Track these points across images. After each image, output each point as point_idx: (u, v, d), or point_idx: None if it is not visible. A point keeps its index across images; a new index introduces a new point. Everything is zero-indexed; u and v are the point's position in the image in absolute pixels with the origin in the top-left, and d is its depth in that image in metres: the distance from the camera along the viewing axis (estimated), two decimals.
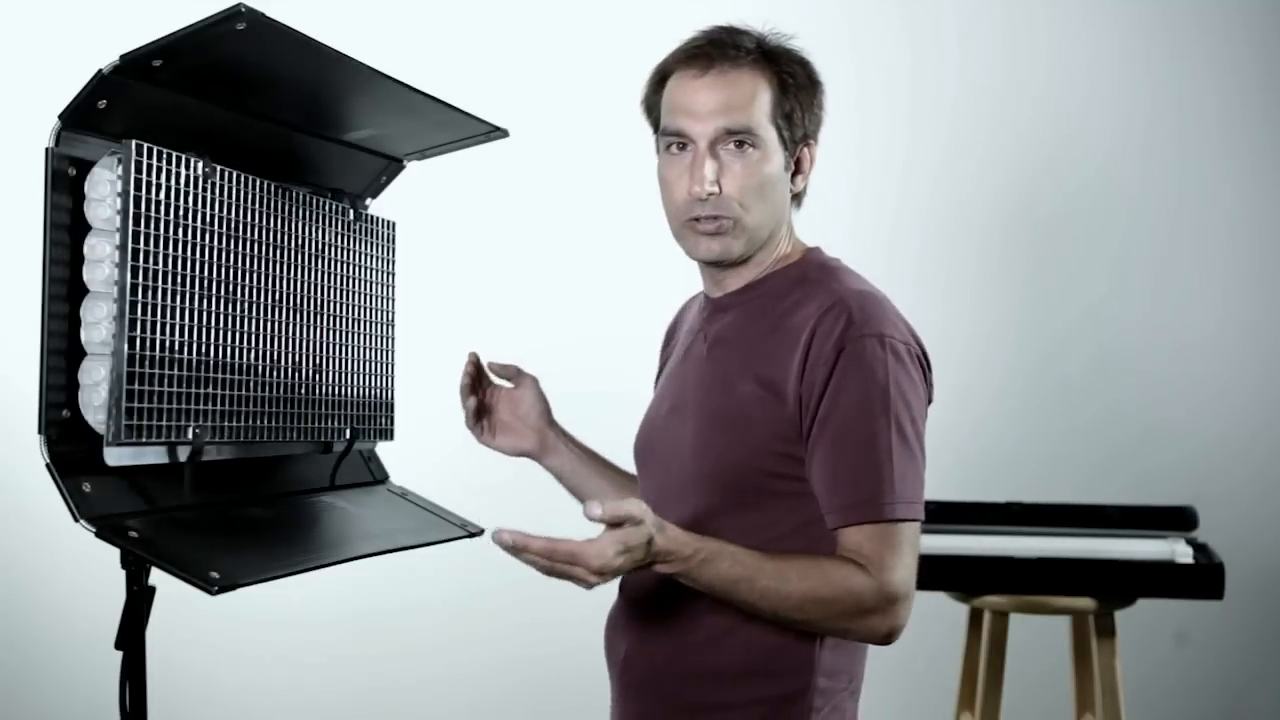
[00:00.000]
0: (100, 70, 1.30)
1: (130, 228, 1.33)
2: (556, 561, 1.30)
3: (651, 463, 1.64)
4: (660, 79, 1.55)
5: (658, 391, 1.70)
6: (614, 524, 1.32)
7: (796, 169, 1.55)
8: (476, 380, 1.78)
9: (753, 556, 1.41)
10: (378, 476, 1.80)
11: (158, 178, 1.37)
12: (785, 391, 1.46)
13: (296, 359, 1.60)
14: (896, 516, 1.42)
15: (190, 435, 1.41)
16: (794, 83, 1.51)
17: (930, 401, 1.53)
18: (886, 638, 1.43)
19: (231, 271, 1.48)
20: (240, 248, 1.49)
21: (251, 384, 1.51)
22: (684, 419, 1.57)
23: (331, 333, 1.67)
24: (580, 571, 1.31)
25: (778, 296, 1.54)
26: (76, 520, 1.29)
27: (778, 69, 1.51)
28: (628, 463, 1.79)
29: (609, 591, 1.67)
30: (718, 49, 1.51)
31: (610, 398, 2.03)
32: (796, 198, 1.59)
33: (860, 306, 1.47)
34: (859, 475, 1.43)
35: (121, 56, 1.29)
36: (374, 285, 1.76)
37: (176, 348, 1.39)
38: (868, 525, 1.42)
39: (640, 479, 1.68)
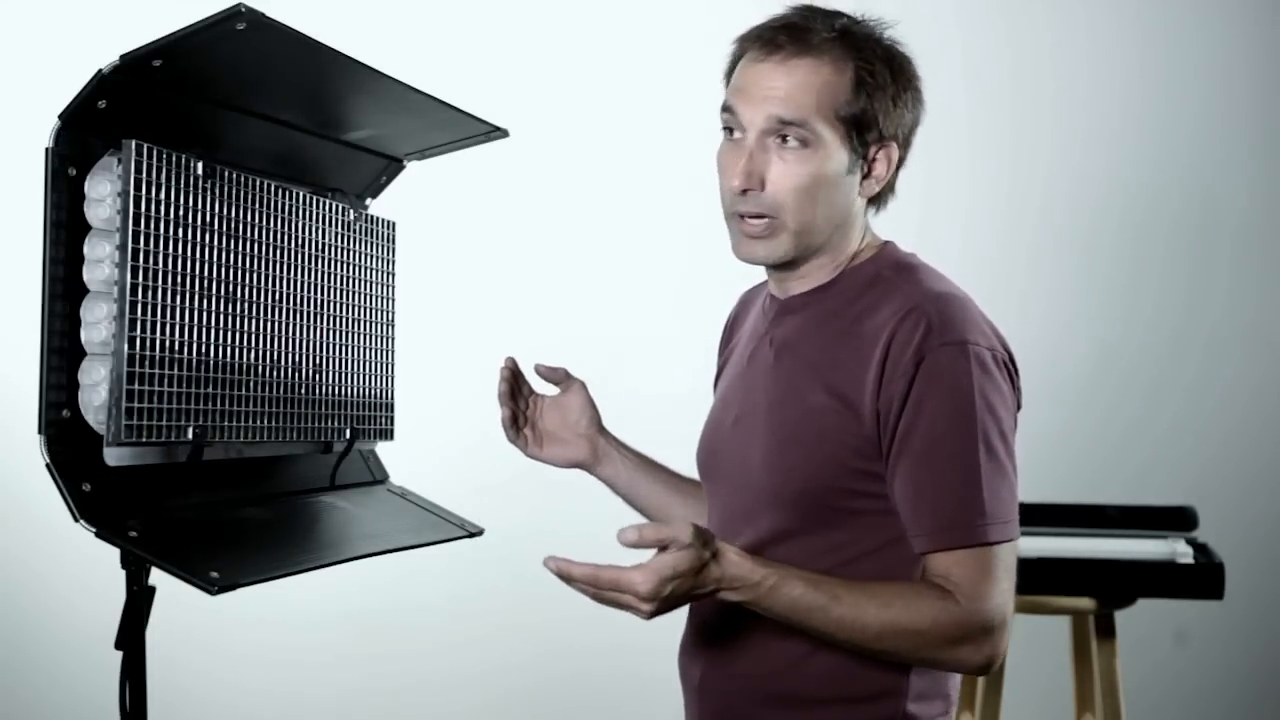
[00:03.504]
0: (100, 70, 1.30)
1: (130, 228, 1.33)
2: (602, 589, 1.24)
3: (718, 478, 1.54)
4: (739, 54, 1.45)
5: (720, 397, 1.59)
6: (661, 548, 1.24)
7: (869, 171, 1.43)
8: (515, 387, 1.68)
9: (828, 582, 1.32)
10: (377, 476, 1.80)
11: (158, 178, 1.37)
12: (861, 405, 1.36)
13: (296, 359, 1.60)
14: (990, 540, 1.32)
15: (190, 435, 1.41)
16: (872, 80, 1.39)
17: (1019, 408, 1.42)
18: (983, 668, 1.33)
19: (231, 271, 1.48)
20: (240, 248, 1.49)
21: (251, 384, 1.51)
22: (752, 432, 1.46)
23: (331, 333, 1.67)
24: (629, 599, 1.23)
25: (849, 299, 1.43)
26: (76, 520, 1.29)
27: (856, 62, 1.39)
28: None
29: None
30: (792, 33, 1.39)
31: (610, 398, 2.02)
32: (877, 199, 1.47)
33: (940, 311, 1.36)
34: (948, 497, 1.32)
35: (121, 56, 1.29)
36: (374, 285, 1.76)
37: (176, 348, 1.39)
38: (959, 550, 1.32)
39: (706, 492, 1.58)
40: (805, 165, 1.38)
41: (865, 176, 1.43)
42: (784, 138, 1.38)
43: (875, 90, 1.39)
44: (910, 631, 1.31)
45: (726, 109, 1.43)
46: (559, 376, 1.69)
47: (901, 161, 1.46)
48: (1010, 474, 1.36)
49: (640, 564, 1.24)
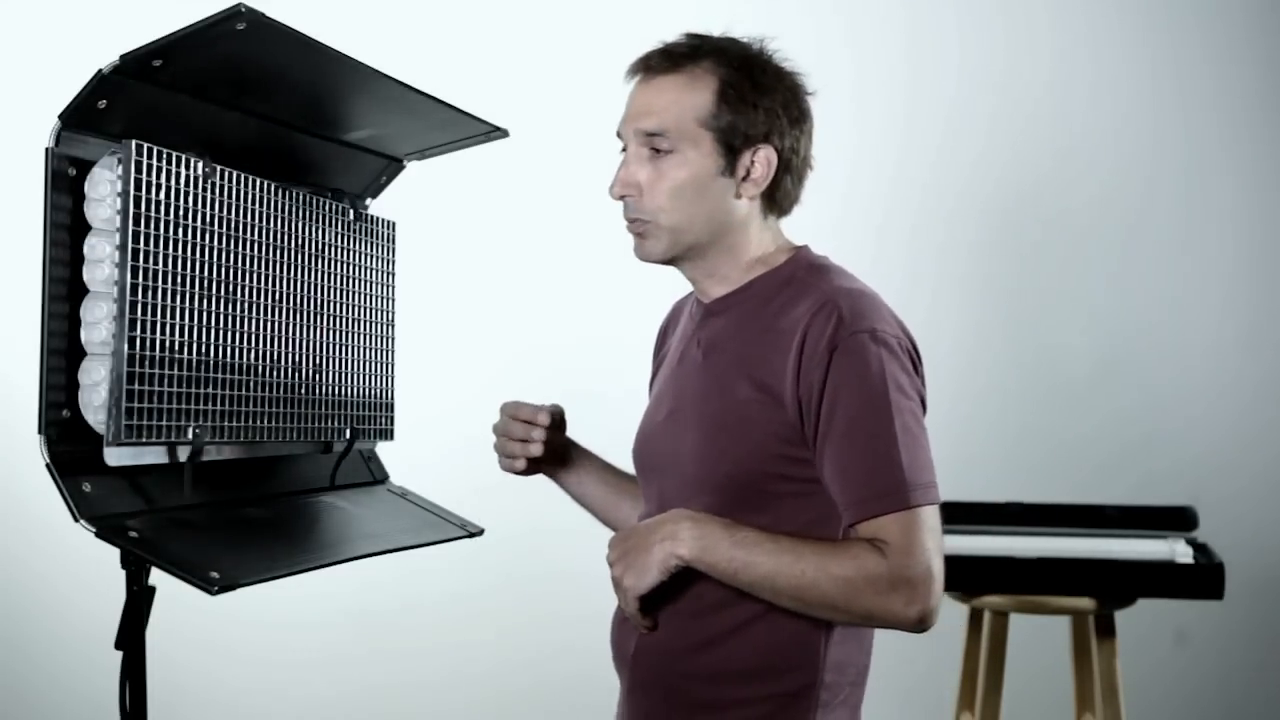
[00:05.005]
0: (100, 70, 1.30)
1: (130, 228, 1.33)
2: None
3: (651, 470, 1.64)
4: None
5: (654, 396, 1.70)
6: None
7: (747, 174, 1.54)
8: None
9: (767, 532, 1.46)
10: (378, 476, 1.80)
11: (158, 178, 1.37)
12: (782, 394, 1.47)
13: (296, 359, 1.60)
14: (912, 503, 1.42)
15: (190, 435, 1.41)
16: (734, 90, 1.52)
17: (922, 395, 1.53)
18: (918, 623, 1.42)
19: (231, 271, 1.48)
20: (240, 248, 1.49)
21: (251, 384, 1.51)
22: (682, 426, 1.57)
23: (331, 333, 1.67)
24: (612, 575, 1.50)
25: (767, 299, 1.55)
26: (76, 520, 1.29)
27: (720, 74, 1.52)
28: (628, 463, 1.78)
29: (610, 589, 1.67)
30: (660, 56, 1.55)
31: (609, 398, 2.03)
32: (772, 202, 1.57)
33: (850, 304, 1.48)
34: (871, 470, 1.43)
35: (121, 56, 1.29)
36: (374, 285, 1.76)
37: (176, 348, 1.39)
38: (882, 518, 1.42)
39: (641, 485, 1.68)
40: (672, 170, 1.53)
41: (744, 179, 1.55)
42: (654, 148, 1.53)
43: (736, 99, 1.52)
44: (842, 578, 1.41)
45: (617, 132, 1.58)
46: (559, 413, 1.75)
47: (790, 166, 1.56)
48: (924, 441, 1.47)
49: None
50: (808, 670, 1.50)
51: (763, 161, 1.54)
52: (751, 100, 1.52)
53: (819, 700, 1.50)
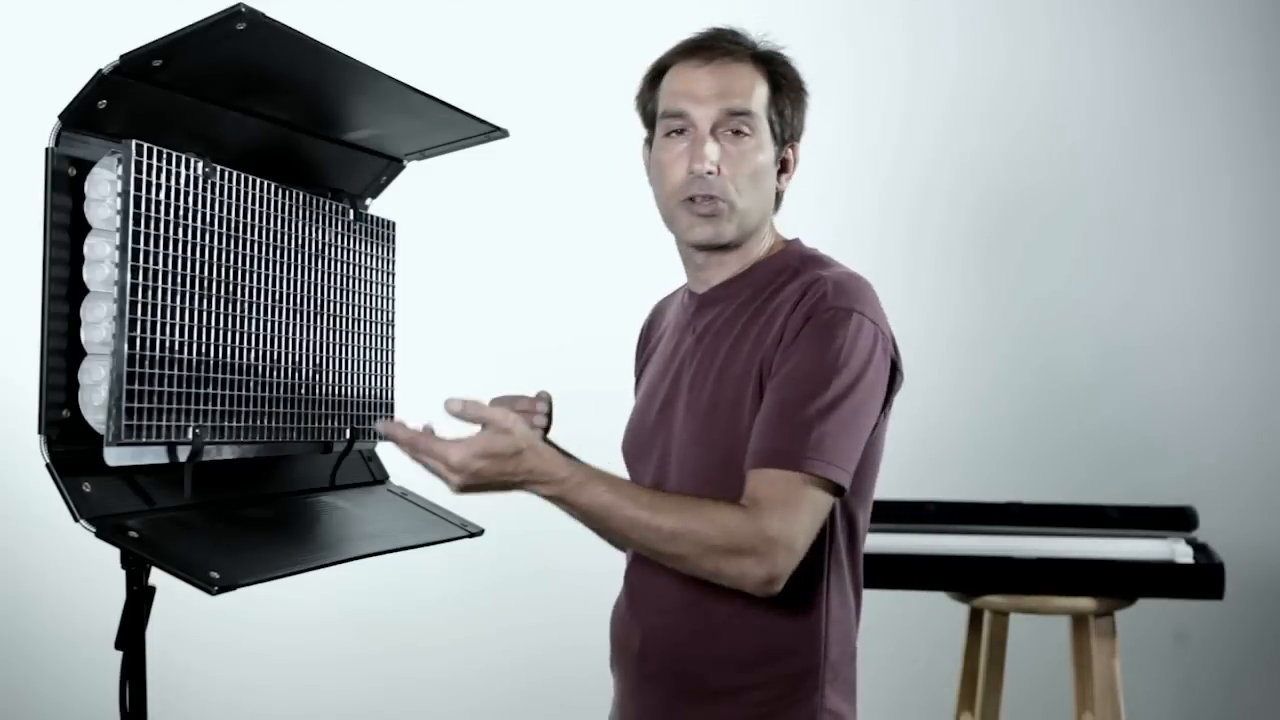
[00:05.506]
0: (100, 70, 1.30)
1: (130, 228, 1.33)
2: (419, 452, 1.34)
3: (645, 460, 1.64)
4: (657, 74, 1.61)
5: (644, 391, 1.71)
6: (481, 424, 1.35)
7: (782, 167, 1.61)
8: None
9: (631, 487, 1.44)
10: (378, 476, 1.80)
11: (158, 178, 1.37)
12: (765, 370, 1.51)
13: (296, 359, 1.60)
14: (806, 470, 1.42)
15: (190, 435, 1.41)
16: (786, 82, 1.58)
17: (895, 388, 1.55)
18: (764, 585, 1.41)
19: (231, 271, 1.48)
20: (240, 248, 1.49)
21: (251, 384, 1.51)
22: (677, 413, 1.59)
23: (331, 333, 1.67)
24: (440, 467, 1.34)
25: (762, 287, 1.58)
26: (76, 520, 1.29)
27: (771, 68, 1.58)
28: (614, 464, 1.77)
29: (611, 588, 1.67)
30: (717, 43, 1.57)
31: (609, 397, 2.02)
32: (777, 197, 1.63)
33: (837, 283, 1.51)
34: (783, 425, 1.44)
35: (121, 56, 1.29)
36: (374, 285, 1.76)
37: (176, 348, 1.39)
38: (773, 470, 1.43)
39: (632, 478, 1.67)
40: (750, 153, 1.55)
41: (780, 172, 1.61)
42: (734, 129, 1.54)
43: (790, 91, 1.59)
44: (698, 536, 1.40)
45: (672, 114, 1.57)
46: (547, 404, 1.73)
47: (795, 161, 1.64)
48: (851, 432, 1.46)
49: (459, 438, 1.34)
50: (812, 650, 1.53)
51: (792, 157, 1.62)
52: (797, 98, 1.60)
53: (824, 678, 1.53)
